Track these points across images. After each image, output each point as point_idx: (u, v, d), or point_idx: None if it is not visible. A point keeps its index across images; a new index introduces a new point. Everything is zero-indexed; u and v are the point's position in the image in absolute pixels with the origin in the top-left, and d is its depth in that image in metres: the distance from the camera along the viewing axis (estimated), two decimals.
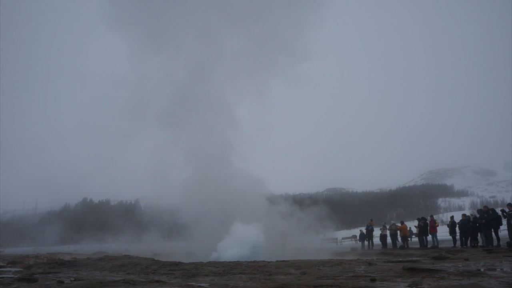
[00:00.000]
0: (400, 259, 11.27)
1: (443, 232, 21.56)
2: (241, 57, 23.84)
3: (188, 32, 23.60)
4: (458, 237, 17.55)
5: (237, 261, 10.31)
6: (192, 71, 22.94)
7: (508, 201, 20.47)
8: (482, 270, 7.35)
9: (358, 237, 26.10)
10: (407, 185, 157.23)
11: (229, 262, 10.16)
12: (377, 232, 23.54)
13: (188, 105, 22.36)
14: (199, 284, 6.82)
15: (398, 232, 20.73)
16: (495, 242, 14.86)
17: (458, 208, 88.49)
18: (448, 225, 18.79)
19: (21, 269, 10.96)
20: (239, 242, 16.11)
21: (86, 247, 30.25)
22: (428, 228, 18.94)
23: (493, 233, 15.06)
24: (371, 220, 24.34)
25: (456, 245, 17.41)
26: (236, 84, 23.88)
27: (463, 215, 17.80)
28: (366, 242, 23.16)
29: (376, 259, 12.05)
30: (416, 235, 21.03)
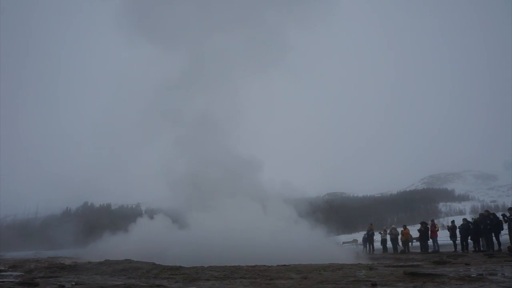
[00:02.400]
0: (401, 264, 11.25)
1: (443, 237, 21.52)
2: (242, 55, 23.81)
3: (190, 30, 23.76)
4: (458, 241, 17.53)
5: (238, 265, 10.31)
6: (192, 66, 23.05)
7: (509, 206, 20.37)
8: (483, 274, 7.35)
9: (359, 241, 26.10)
10: (408, 189, 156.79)
11: (230, 266, 10.15)
12: (377, 236, 23.51)
13: (188, 99, 22.40)
14: None
15: (399, 236, 20.72)
16: (496, 247, 14.85)
17: (459, 213, 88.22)
18: (448, 229, 18.78)
19: (22, 273, 10.95)
20: None
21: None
22: (429, 232, 18.93)
23: (494, 238, 15.06)
24: (371, 224, 24.33)
25: (457, 249, 17.38)
26: (237, 83, 23.75)
27: (464, 219, 17.80)
28: (367, 246, 23.13)
29: (377, 263, 12.03)
30: (417, 239, 21.01)
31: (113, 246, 18.65)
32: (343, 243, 39.70)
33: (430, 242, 19.04)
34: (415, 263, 11.56)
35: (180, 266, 10.34)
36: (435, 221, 22.82)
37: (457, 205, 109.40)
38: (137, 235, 19.44)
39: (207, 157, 20.95)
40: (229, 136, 21.90)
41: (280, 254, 14.28)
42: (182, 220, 19.68)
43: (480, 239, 16.02)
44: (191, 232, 17.95)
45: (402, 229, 21.14)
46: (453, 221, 18.99)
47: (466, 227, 16.80)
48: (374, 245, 22.81)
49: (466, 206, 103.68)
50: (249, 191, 19.83)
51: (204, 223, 17.70)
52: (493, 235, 15.05)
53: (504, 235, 15.59)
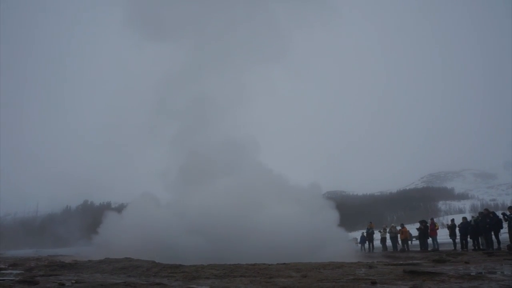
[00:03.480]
0: (401, 262, 11.27)
1: (443, 235, 21.54)
2: (245, 53, 23.82)
3: (193, 26, 23.89)
4: (458, 240, 17.55)
5: (238, 264, 10.32)
6: (194, 61, 23.17)
7: (509, 204, 20.42)
8: (482, 273, 7.37)
9: (359, 240, 26.10)
10: (407, 188, 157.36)
11: (230, 264, 10.17)
12: (377, 235, 23.54)
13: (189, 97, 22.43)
14: (199, 287, 6.85)
15: (399, 235, 20.73)
16: (495, 245, 14.86)
17: (458, 211, 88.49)
18: (448, 227, 18.79)
19: (22, 272, 10.96)
20: None
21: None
22: (429, 231, 18.95)
23: (493, 236, 15.07)
24: (371, 223, 24.35)
25: (456, 248, 17.40)
26: (237, 78, 23.71)
27: (464, 218, 17.80)
28: (366, 245, 23.15)
29: (377, 262, 12.04)
30: (416, 238, 21.03)
31: (114, 236, 18.72)
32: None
33: (429, 240, 19.06)
34: (414, 261, 11.58)
35: (180, 265, 10.36)
36: (435, 219, 22.83)
37: (456, 204, 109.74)
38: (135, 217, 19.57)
39: (204, 145, 20.92)
40: (228, 130, 21.93)
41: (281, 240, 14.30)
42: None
43: (480, 237, 16.03)
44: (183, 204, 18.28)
45: (400, 227, 21.14)
46: (452, 220, 19.00)
47: (466, 226, 16.80)
48: (374, 243, 22.83)
49: (466, 204, 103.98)
50: (247, 170, 19.74)
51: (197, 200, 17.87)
52: (492, 233, 15.06)
53: (503, 233, 15.60)
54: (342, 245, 17.39)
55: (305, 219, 17.10)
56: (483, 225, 15.34)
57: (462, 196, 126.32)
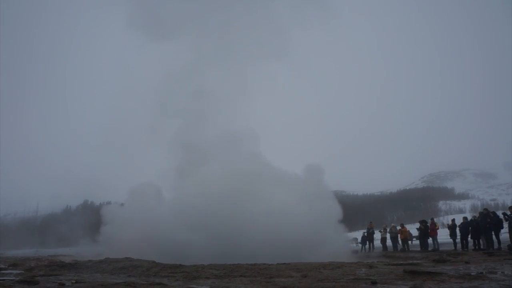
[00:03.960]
0: (401, 262, 11.27)
1: (443, 235, 21.52)
2: (245, 50, 23.80)
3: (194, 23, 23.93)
4: (458, 240, 17.53)
5: (238, 264, 10.32)
6: (197, 57, 23.17)
7: (509, 204, 20.40)
8: (483, 273, 7.36)
9: (359, 240, 26.08)
10: (407, 188, 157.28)
11: (230, 264, 10.16)
12: (377, 235, 23.52)
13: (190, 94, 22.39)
14: (199, 287, 6.84)
15: (399, 235, 20.71)
16: (496, 245, 14.86)
17: (459, 211, 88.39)
18: (448, 227, 18.78)
19: (22, 272, 10.94)
20: None
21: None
22: (429, 231, 18.94)
23: (494, 236, 15.06)
24: (371, 222, 24.32)
25: (457, 248, 17.39)
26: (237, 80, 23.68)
27: (464, 218, 17.79)
28: (366, 245, 23.12)
29: (377, 262, 12.04)
30: (416, 238, 21.01)
31: (115, 231, 18.71)
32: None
33: (430, 240, 19.04)
34: (415, 261, 11.58)
35: (180, 264, 10.35)
36: (435, 219, 22.79)
37: (457, 204, 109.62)
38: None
39: (202, 138, 20.88)
40: (227, 126, 21.88)
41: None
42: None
43: (480, 237, 16.02)
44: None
45: (400, 227, 21.12)
46: (453, 220, 18.97)
47: (466, 226, 16.79)
48: (374, 243, 22.80)
49: (466, 204, 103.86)
50: (243, 158, 19.63)
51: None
52: (493, 233, 15.05)
53: (504, 233, 15.59)
54: (342, 241, 17.32)
55: (304, 211, 17.00)
56: (483, 225, 15.34)
57: (462, 196, 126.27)
